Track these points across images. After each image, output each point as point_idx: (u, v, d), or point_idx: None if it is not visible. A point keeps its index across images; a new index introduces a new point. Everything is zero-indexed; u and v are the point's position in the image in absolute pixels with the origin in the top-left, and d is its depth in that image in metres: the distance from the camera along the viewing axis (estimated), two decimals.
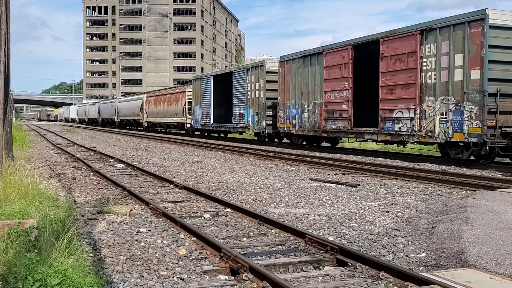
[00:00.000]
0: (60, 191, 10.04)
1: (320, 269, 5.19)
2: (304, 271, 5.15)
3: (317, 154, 19.99)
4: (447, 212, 8.00)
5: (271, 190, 10.74)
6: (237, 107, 29.49)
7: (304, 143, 24.42)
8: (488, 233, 6.23)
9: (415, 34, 16.43)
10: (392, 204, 9.09)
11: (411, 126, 16.66)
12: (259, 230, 6.91)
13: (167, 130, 47.04)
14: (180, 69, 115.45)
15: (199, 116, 35.55)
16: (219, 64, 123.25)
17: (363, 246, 6.18)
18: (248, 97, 27.79)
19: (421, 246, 6.18)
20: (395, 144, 18.92)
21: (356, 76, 20.27)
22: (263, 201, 9.36)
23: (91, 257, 5.45)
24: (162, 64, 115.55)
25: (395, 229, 7.08)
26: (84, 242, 6.05)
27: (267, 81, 26.11)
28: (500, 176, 12.71)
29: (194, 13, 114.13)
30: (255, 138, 29.56)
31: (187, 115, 38.47)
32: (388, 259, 5.65)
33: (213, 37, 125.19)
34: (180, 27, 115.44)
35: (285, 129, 24.42)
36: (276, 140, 27.64)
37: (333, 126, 20.88)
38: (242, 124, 28.75)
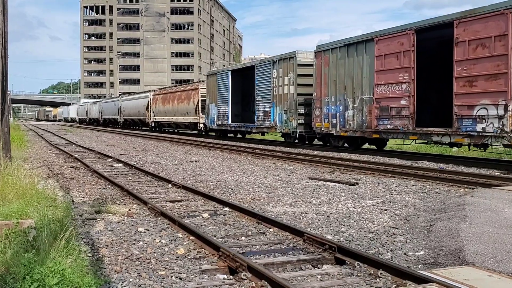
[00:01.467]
0: (58, 191, 10.02)
1: (318, 268, 5.19)
2: (302, 269, 5.15)
3: (315, 152, 19.99)
4: (445, 210, 8.00)
5: (269, 189, 10.74)
6: (261, 104, 26.46)
7: (346, 145, 21.07)
8: (486, 231, 6.23)
9: (505, 13, 13.44)
10: (390, 202, 9.09)
11: (500, 126, 13.66)
12: (257, 229, 6.91)
13: (176, 130, 43.92)
14: (178, 68, 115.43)
15: (214, 115, 32.56)
16: (217, 63, 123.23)
17: (361, 245, 6.18)
18: (275, 93, 24.85)
19: (419, 244, 6.19)
20: (468, 147, 15.97)
21: None
22: (262, 200, 9.36)
23: (89, 257, 5.44)
24: (159, 64, 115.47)
25: (393, 227, 7.08)
26: (82, 242, 6.05)
27: (298, 75, 23.24)
28: (498, 174, 12.74)
29: (192, 12, 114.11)
30: (282, 139, 26.21)
31: (200, 114, 35.56)
32: (387, 257, 5.65)
33: (211, 36, 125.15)
34: (177, 27, 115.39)
35: (323, 129, 21.22)
36: (306, 142, 24.88)
37: (388, 126, 17.65)
38: (267, 124, 25.86)
